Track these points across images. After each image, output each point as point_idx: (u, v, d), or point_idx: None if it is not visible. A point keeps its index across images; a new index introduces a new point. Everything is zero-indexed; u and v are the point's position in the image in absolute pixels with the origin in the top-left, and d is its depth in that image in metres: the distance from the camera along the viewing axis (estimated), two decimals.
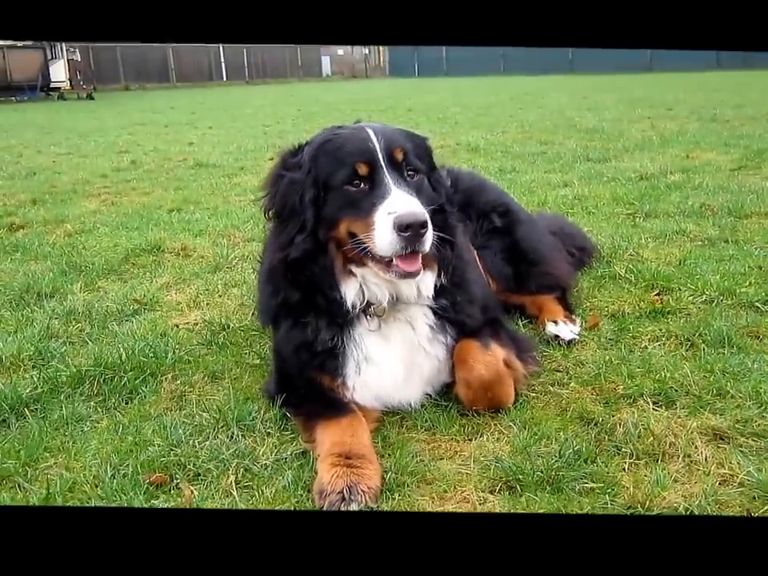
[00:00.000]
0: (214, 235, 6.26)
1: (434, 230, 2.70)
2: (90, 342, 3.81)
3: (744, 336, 3.46)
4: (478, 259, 3.75)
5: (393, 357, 2.87)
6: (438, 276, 2.89)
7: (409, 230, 2.51)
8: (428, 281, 2.85)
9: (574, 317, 3.74)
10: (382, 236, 2.56)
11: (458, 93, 28.99)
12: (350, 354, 2.85)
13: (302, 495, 2.41)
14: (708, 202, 6.37)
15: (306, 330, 2.89)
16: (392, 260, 2.62)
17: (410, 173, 2.75)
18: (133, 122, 19.66)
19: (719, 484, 2.35)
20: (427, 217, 2.55)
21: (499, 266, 3.86)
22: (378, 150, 2.69)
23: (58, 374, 3.38)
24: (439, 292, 2.92)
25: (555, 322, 3.63)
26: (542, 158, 9.98)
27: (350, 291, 2.78)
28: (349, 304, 2.78)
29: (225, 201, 7.97)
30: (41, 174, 10.50)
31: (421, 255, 2.63)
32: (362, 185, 2.69)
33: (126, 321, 4.18)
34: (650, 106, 17.89)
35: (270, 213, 2.97)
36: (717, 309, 3.79)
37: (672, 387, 2.96)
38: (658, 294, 4.07)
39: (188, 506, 2.36)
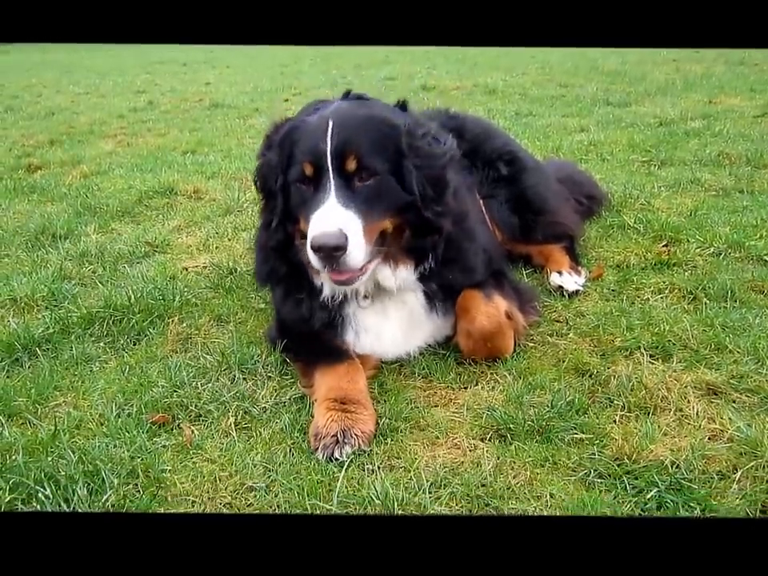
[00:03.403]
0: (227, 178, 6.29)
1: (407, 226, 2.70)
2: (100, 284, 3.89)
3: (748, 290, 3.44)
4: (483, 209, 3.75)
5: (390, 325, 2.92)
6: (417, 267, 2.83)
7: (320, 252, 2.46)
8: (402, 275, 2.81)
9: (579, 268, 3.72)
10: (308, 248, 2.51)
11: None
12: (348, 325, 2.89)
13: (298, 437, 2.49)
14: (727, 150, 6.23)
15: (300, 307, 2.91)
16: None
17: (363, 176, 2.59)
18: (151, 61, 19.54)
19: (708, 439, 2.37)
20: (344, 239, 2.42)
21: (505, 216, 3.82)
22: (329, 151, 2.55)
23: (70, 315, 3.46)
24: (428, 276, 2.88)
25: (560, 273, 3.63)
26: (561, 101, 9.83)
27: (325, 283, 2.80)
28: (327, 293, 2.81)
29: (239, 143, 7.97)
30: (59, 114, 10.52)
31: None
32: (309, 185, 2.63)
33: (137, 263, 4.25)
34: None
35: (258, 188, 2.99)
36: (724, 262, 3.76)
37: (670, 340, 2.97)
38: (665, 246, 4.03)
39: (188, 446, 2.45)
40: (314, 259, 2.51)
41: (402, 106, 3.01)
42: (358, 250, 2.49)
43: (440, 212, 2.75)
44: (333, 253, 2.44)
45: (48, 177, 6.65)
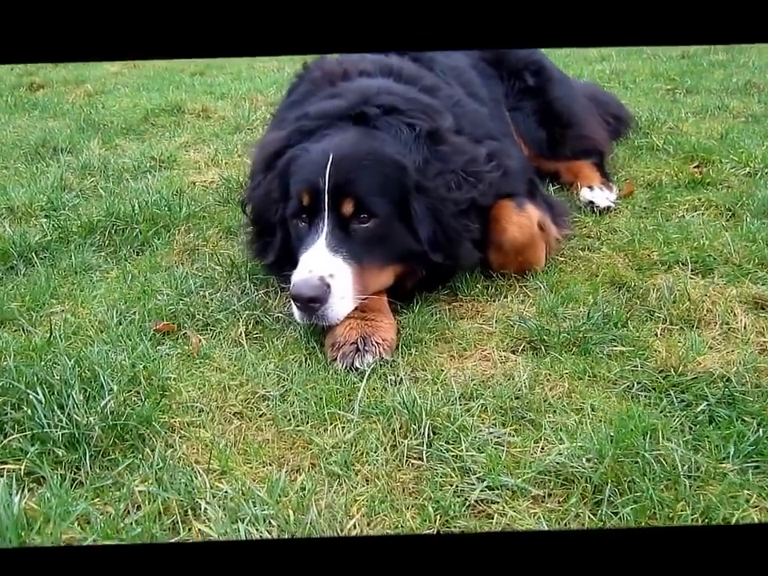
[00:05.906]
0: (236, 98, 6.04)
1: (415, 274, 2.51)
2: (103, 195, 3.68)
3: None
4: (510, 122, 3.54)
5: None
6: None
7: (297, 301, 2.27)
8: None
9: (611, 183, 3.53)
10: None
11: None
12: None
13: (313, 348, 2.31)
14: (754, 79, 5.97)
15: None
16: None
17: (362, 218, 2.37)
18: None
19: (758, 352, 2.20)
20: (324, 290, 2.23)
21: (532, 129, 3.62)
22: (326, 190, 2.34)
23: (69, 223, 3.27)
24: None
25: (591, 188, 3.42)
26: None
27: None
28: None
29: (249, 66, 7.69)
30: None
31: None
32: (305, 222, 2.42)
33: (142, 177, 4.03)
34: None
35: (247, 209, 2.83)
36: (761, 181, 3.56)
37: (710, 255, 2.78)
38: (697, 166, 3.82)
39: (195, 354, 2.27)
40: (293, 307, 2.32)
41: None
42: (340, 303, 2.27)
43: (447, 260, 2.52)
44: (310, 304, 2.24)
45: (51, 95, 6.41)
